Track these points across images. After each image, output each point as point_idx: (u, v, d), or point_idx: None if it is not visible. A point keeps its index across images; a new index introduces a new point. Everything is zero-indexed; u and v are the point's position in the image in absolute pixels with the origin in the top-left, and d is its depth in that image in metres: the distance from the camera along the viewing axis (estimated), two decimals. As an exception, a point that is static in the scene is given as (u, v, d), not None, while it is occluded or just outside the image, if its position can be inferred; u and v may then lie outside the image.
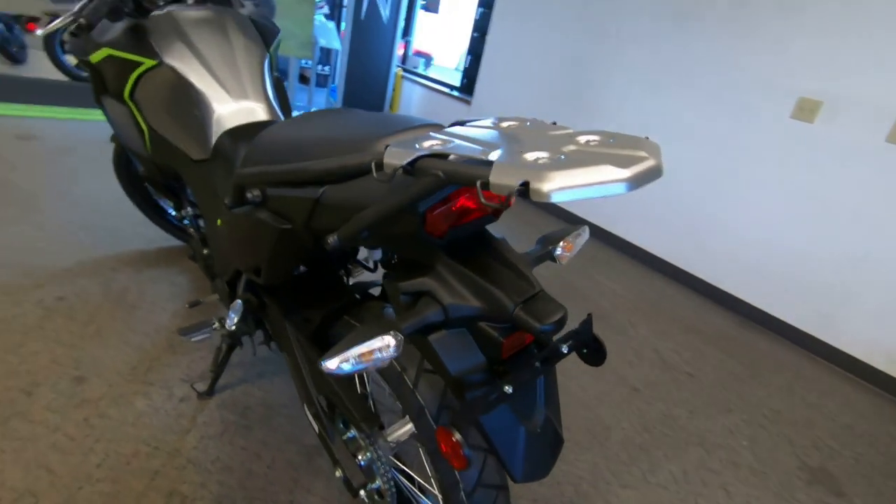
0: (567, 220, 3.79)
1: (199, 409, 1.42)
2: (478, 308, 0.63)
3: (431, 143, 0.55)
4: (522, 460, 0.68)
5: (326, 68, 5.01)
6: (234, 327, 1.12)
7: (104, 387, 1.42)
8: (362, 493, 0.97)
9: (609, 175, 0.43)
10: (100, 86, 1.33)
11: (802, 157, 2.55)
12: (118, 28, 1.20)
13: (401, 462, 1.07)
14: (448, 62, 7.05)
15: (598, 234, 3.56)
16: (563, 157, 0.47)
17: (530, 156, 0.48)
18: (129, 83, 1.21)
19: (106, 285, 1.84)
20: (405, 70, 5.34)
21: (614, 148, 0.49)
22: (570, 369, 2.01)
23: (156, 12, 1.20)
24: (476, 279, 0.63)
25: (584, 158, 0.46)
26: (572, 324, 0.71)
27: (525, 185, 0.43)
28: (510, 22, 4.06)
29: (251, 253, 0.93)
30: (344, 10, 4.86)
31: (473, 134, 0.59)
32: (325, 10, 5.06)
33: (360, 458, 0.98)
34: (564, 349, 0.67)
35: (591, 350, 0.71)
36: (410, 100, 5.28)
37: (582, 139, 0.53)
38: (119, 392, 1.42)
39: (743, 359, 2.39)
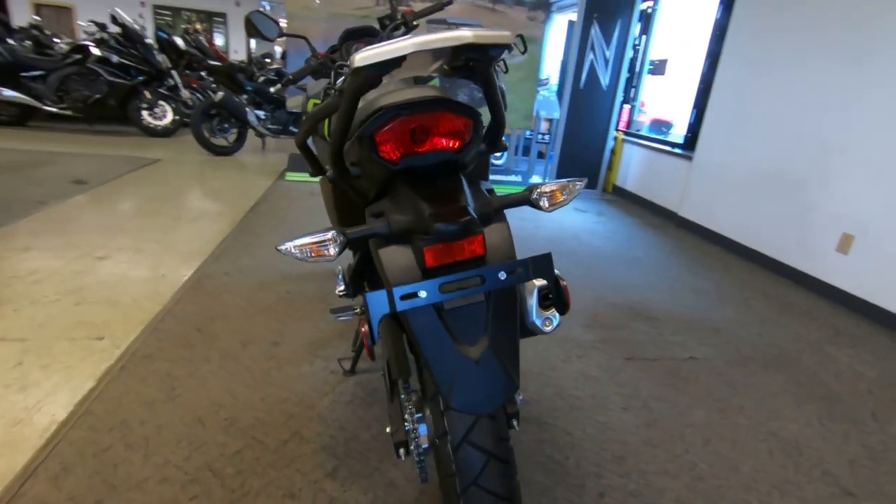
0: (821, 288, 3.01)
1: (340, 381, 1.70)
2: (409, 220, 0.68)
3: None
4: (455, 384, 0.67)
5: (547, 137, 5.38)
6: (340, 294, 1.35)
7: (288, 352, 1.85)
8: (401, 451, 1.03)
9: (406, 43, 0.48)
10: (313, 130, 1.86)
11: None
12: (321, 84, 1.69)
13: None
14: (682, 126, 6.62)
15: (847, 301, 2.72)
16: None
17: None
18: (325, 123, 1.68)
19: (319, 288, 2.40)
20: (626, 133, 5.29)
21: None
22: (744, 442, 1.59)
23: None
24: (416, 199, 0.69)
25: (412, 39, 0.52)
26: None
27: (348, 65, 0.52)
28: (739, 68, 3.68)
29: (330, 211, 1.15)
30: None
31: None
32: (551, 86, 5.51)
33: (407, 420, 1.05)
34: (502, 275, 0.65)
35: (555, 294, 0.66)
36: (630, 162, 5.16)
37: None
38: (295, 357, 1.82)
39: None
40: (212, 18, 13.91)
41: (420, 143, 0.72)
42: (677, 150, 4.42)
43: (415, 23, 1.88)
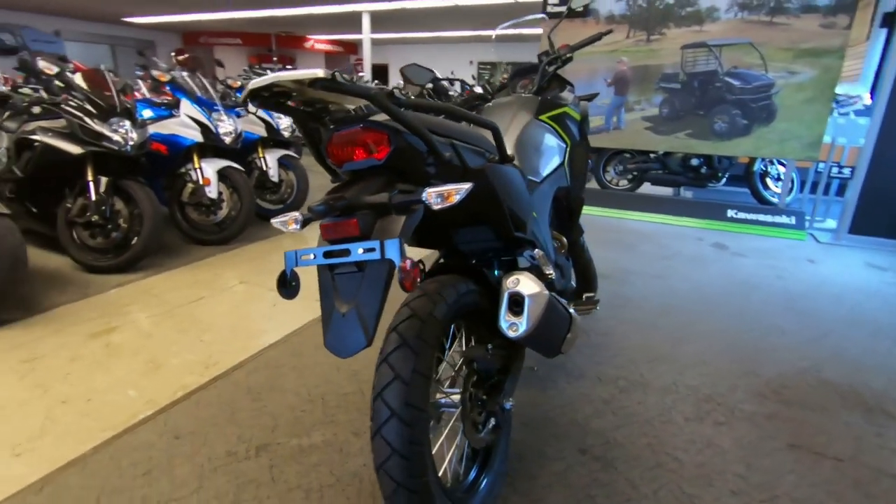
0: None
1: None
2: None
3: None
4: (327, 329, 0.87)
5: (846, 170, 4.10)
6: None
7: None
8: None
9: (248, 86, 0.74)
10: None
11: None
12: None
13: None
14: None
15: None
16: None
17: None
18: None
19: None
20: None
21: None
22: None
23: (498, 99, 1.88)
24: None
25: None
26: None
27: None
28: None
29: None
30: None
31: None
32: (860, 105, 4.16)
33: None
34: (359, 250, 0.82)
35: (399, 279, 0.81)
36: None
37: None
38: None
39: None
40: (520, 68, 16.08)
41: (367, 153, 0.95)
42: None
43: (568, 55, 1.99)
